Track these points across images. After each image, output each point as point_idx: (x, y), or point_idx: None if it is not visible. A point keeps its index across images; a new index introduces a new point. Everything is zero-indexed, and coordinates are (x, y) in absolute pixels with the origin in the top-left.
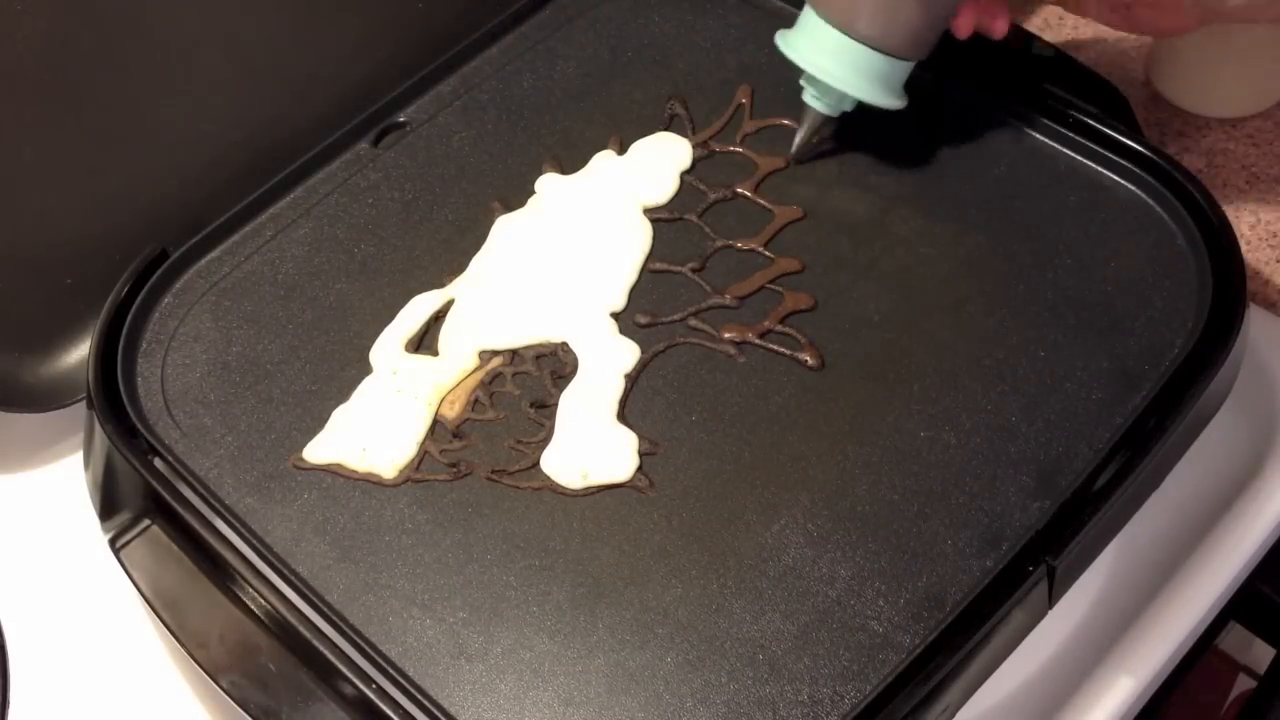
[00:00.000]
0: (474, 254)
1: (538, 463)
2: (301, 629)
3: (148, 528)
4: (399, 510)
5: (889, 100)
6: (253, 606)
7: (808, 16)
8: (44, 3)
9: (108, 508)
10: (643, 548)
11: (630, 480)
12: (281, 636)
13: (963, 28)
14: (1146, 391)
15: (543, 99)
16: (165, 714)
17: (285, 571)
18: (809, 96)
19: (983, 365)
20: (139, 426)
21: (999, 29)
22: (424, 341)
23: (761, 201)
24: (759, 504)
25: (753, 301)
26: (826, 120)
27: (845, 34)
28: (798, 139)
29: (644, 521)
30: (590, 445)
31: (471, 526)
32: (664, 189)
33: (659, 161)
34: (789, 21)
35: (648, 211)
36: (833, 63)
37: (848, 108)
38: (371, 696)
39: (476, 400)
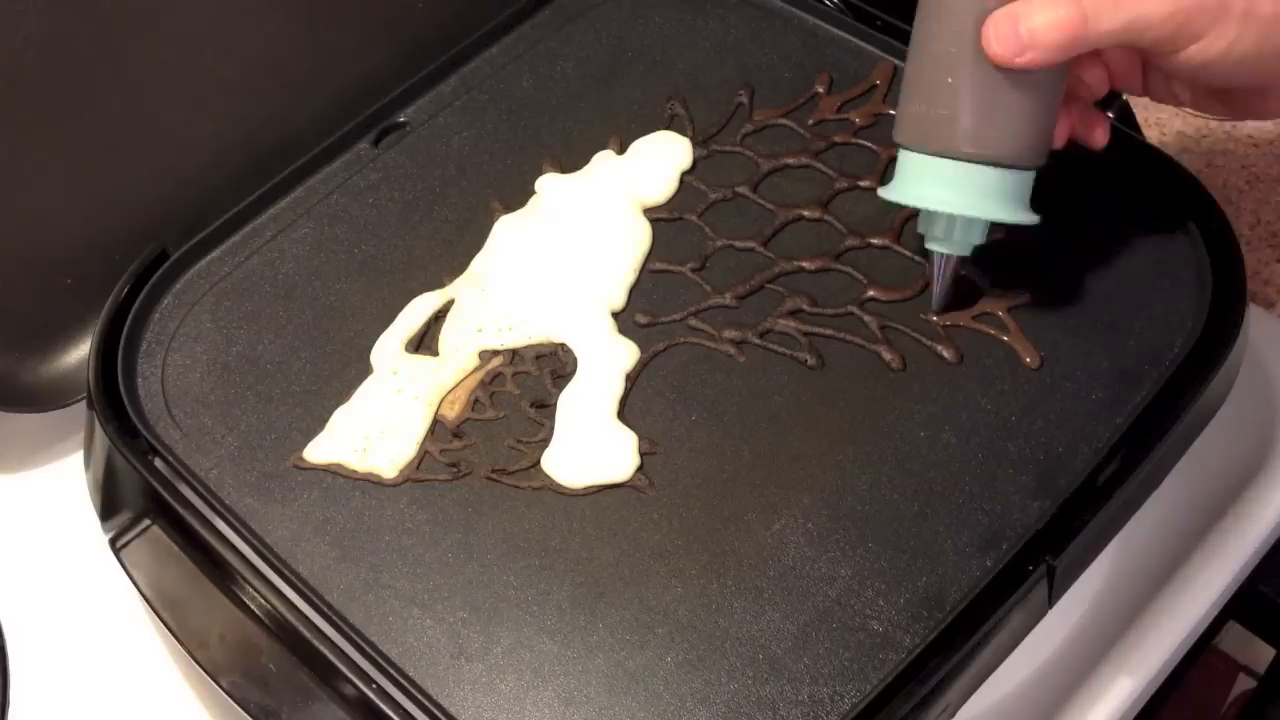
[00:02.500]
0: (474, 254)
1: (538, 462)
2: (302, 629)
3: (148, 528)
4: (399, 510)
5: (1022, 215)
6: (253, 606)
7: (909, 159)
8: (44, 3)
9: (108, 508)
10: (643, 547)
11: (630, 480)
12: (282, 636)
13: (1060, 136)
14: (1146, 391)
15: (543, 99)
16: (165, 714)
17: (285, 571)
18: (933, 244)
19: (983, 365)
20: (139, 427)
21: (1098, 139)
22: (424, 341)
23: (762, 202)
24: (759, 504)
25: (753, 301)
26: (962, 261)
27: (957, 158)
28: (936, 290)
29: (644, 521)
30: (590, 445)
31: (471, 526)
32: (663, 189)
33: (659, 161)
34: (789, 21)
35: (647, 211)
36: (952, 192)
37: (978, 240)
38: (372, 696)
39: (476, 400)
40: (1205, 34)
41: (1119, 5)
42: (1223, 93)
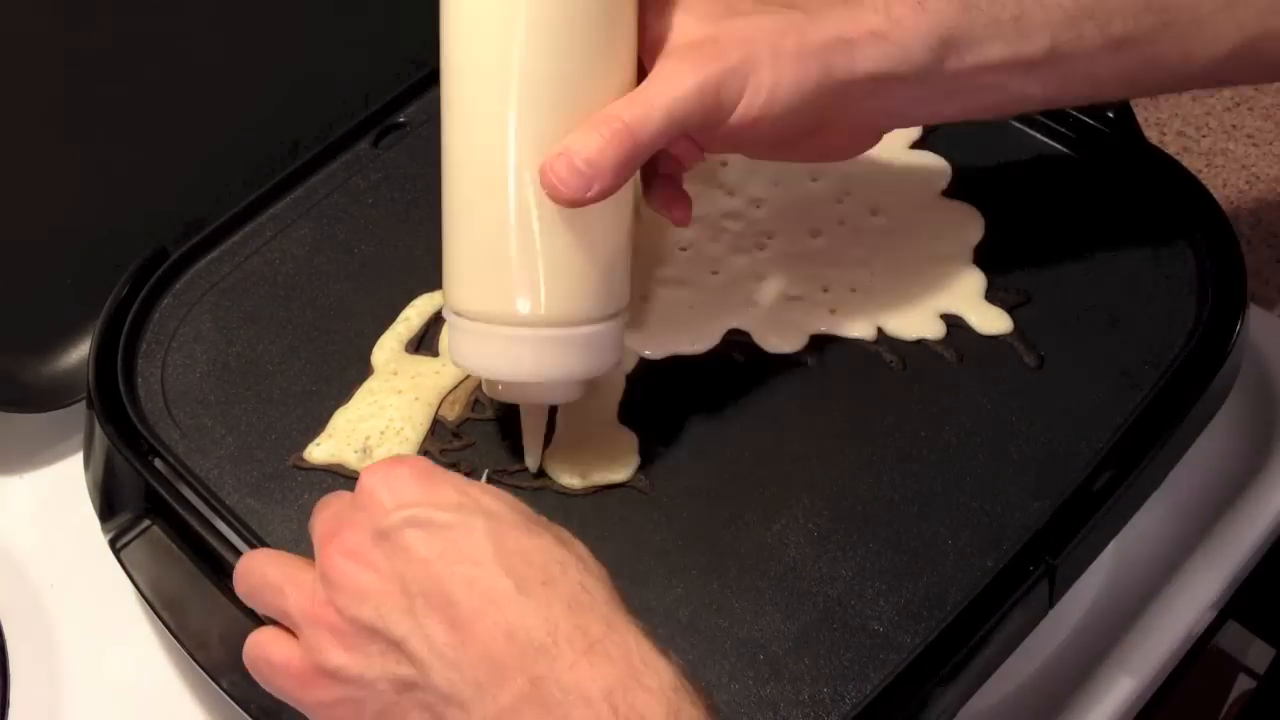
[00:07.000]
0: None
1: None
2: None
3: (148, 528)
4: None
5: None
6: None
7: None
8: (46, 4)
9: (108, 508)
10: (643, 548)
11: (631, 480)
12: None
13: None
14: (1146, 391)
15: None
16: (165, 714)
17: None
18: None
19: (983, 365)
20: (139, 427)
21: (678, 219)
22: (424, 342)
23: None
24: (759, 504)
25: None
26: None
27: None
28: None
29: (644, 521)
30: (591, 445)
31: None
32: None
33: None
34: None
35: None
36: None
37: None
38: None
39: (476, 401)
40: (745, 90)
41: (651, 102)
42: (784, 141)
